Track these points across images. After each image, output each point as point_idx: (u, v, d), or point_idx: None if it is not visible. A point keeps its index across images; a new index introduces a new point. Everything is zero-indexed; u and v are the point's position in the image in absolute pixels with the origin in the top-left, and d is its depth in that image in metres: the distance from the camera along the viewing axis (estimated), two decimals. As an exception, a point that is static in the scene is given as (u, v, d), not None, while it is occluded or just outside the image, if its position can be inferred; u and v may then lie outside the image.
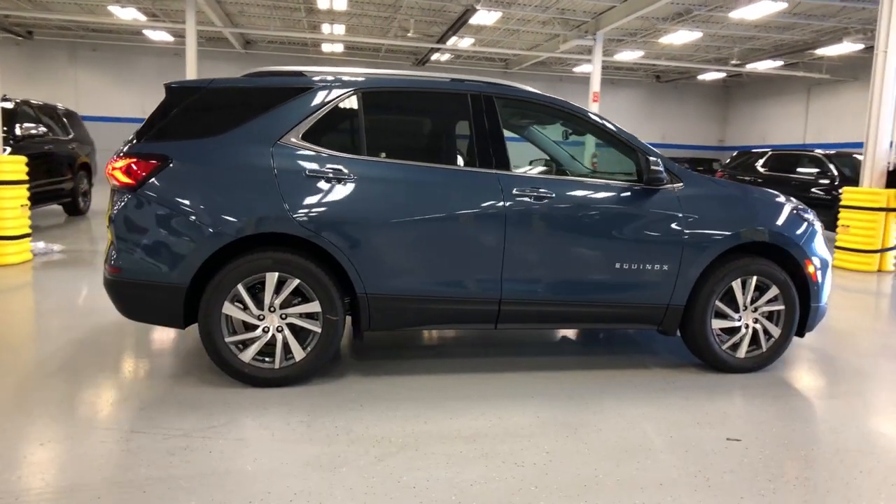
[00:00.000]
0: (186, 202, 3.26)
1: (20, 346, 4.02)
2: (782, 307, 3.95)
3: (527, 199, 3.57)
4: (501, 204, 3.53)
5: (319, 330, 3.40)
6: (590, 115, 3.90)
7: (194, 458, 2.60)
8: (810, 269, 3.97)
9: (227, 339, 3.33)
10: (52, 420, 2.92)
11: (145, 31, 20.04)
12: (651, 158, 3.68)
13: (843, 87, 21.01)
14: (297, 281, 3.34)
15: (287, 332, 3.38)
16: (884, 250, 8.33)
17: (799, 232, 3.96)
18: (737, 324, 3.93)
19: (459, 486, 2.46)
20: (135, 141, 3.37)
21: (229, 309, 3.31)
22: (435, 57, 23.19)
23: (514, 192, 3.56)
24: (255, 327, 3.36)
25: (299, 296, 3.39)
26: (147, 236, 3.28)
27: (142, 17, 18.25)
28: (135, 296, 3.33)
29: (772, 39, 18.44)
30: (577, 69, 24.53)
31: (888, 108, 8.27)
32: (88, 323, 4.61)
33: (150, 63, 22.93)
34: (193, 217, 3.25)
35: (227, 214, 3.26)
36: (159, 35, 20.36)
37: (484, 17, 16.02)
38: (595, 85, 17.87)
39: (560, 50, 19.44)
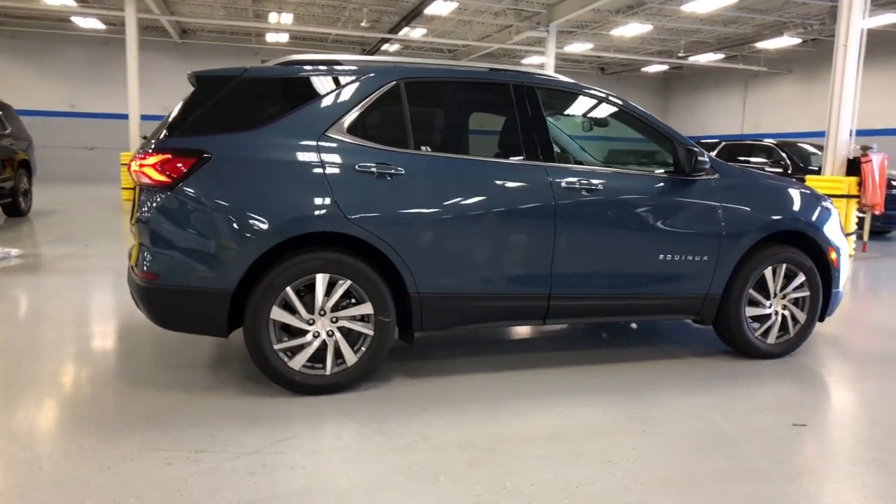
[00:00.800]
0: (230, 201, 3.04)
1: (27, 361, 3.67)
2: (808, 293, 4.07)
3: (576, 191, 3.52)
4: (551, 197, 3.47)
5: (372, 332, 3.24)
6: (631, 105, 3.88)
7: (279, 477, 2.42)
8: (833, 255, 4.10)
9: (276, 347, 3.14)
10: (100, 441, 2.66)
11: (73, 18, 18.80)
12: (696, 150, 3.69)
13: (779, 79, 22.01)
14: (348, 282, 3.17)
15: (338, 335, 3.21)
16: (845, 235, 8.76)
17: (822, 220, 4.08)
18: (768, 311, 4.01)
19: (566, 488, 2.40)
20: (166, 135, 3.11)
21: (277, 314, 3.11)
22: (384, 48, 22.85)
23: (564, 184, 3.50)
24: (304, 332, 3.18)
25: (348, 297, 3.23)
26: (187, 238, 3.04)
27: (72, 3, 17.10)
28: (174, 303, 3.09)
29: (716, 33, 19.09)
30: (525, 60, 24.71)
31: (848, 100, 8.70)
32: (91, 334, 4.27)
33: (77, 53, 21.54)
34: (239, 217, 3.03)
35: (275, 213, 3.06)
36: (89, 22, 19.13)
37: (440, 7, 15.87)
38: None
39: (512, 41, 19.52)
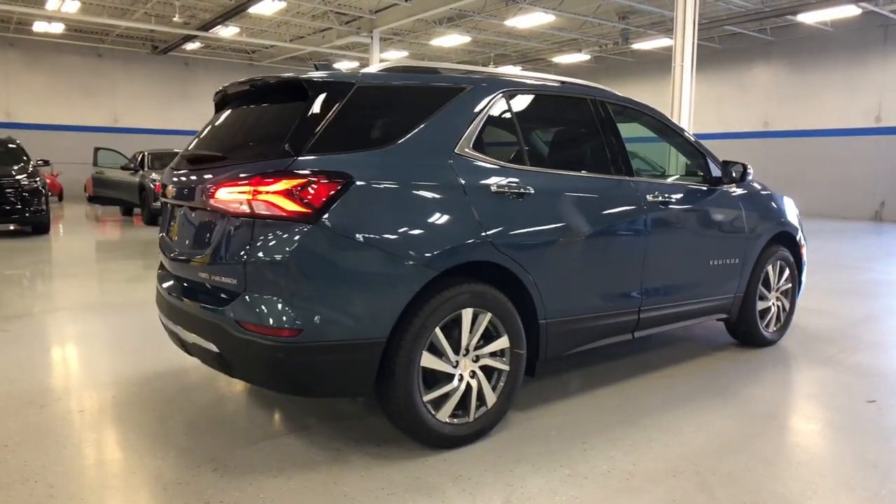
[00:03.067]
0: (380, 232, 2.54)
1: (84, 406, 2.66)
2: (790, 285, 4.66)
3: (657, 204, 3.59)
4: (643, 211, 3.51)
5: (508, 368, 2.96)
6: (671, 121, 4.06)
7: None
8: (803, 251, 4.75)
9: (426, 398, 2.71)
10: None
11: None
12: (735, 164, 4.02)
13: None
14: (489, 315, 2.86)
15: (480, 375, 2.88)
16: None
17: (797, 220, 4.70)
18: (770, 303, 4.51)
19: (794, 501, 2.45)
20: (286, 153, 2.48)
21: (427, 360, 2.69)
22: (185, 46, 20.67)
23: (649, 198, 3.55)
24: (450, 377, 2.79)
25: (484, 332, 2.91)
26: (334, 281, 2.47)
27: None
28: (318, 363, 2.48)
29: (519, 47, 20.68)
30: (337, 66, 24.26)
31: (685, 111, 10.08)
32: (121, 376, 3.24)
33: None
34: (392, 250, 2.55)
35: (429, 244, 2.63)
36: None
37: (267, 6, 14.86)
38: (375, 82, 17.91)
39: (330, 45, 19.05)
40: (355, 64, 23.65)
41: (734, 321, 4.37)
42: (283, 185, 2.41)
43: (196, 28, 17.24)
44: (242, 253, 2.46)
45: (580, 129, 3.56)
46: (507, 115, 3.13)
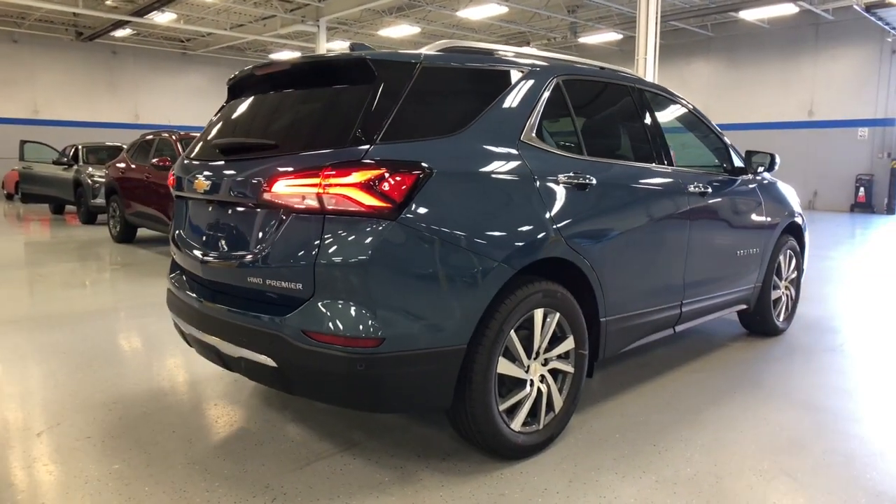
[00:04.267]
0: (459, 228, 2.31)
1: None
2: (796, 274, 4.71)
3: (696, 195, 3.50)
4: (686, 202, 3.41)
5: (572, 370, 2.79)
6: (698, 110, 3.97)
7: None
8: (807, 239, 4.81)
9: (502, 407, 2.50)
10: None
11: None
12: (760, 153, 3.98)
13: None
14: (557, 315, 2.68)
15: (550, 380, 2.70)
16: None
17: (800, 210, 4.75)
18: (781, 293, 4.53)
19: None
20: (358, 140, 2.20)
21: (503, 366, 2.48)
22: (115, 33, 19.38)
23: (690, 189, 3.46)
24: (523, 383, 2.58)
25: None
26: (416, 283, 2.22)
27: None
28: (403, 375, 2.22)
29: (468, 39, 20.53)
30: (274, 56, 23.40)
31: (649, 103, 10.18)
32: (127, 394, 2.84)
33: None
34: (472, 248, 2.32)
35: (506, 240, 2.42)
36: None
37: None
38: (322, 73, 17.35)
39: (272, 33, 18.34)
40: (297, 54, 22.83)
41: (751, 311, 4.36)
42: (360, 176, 2.13)
43: (128, 13, 16.16)
44: (310, 254, 2.17)
45: (627, 116, 3.41)
46: (563, 101, 2.94)
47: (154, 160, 7.80)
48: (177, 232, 2.92)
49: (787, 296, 4.62)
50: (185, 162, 2.86)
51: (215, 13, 17.82)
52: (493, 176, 2.47)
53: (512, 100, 2.68)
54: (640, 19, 10.01)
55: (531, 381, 2.60)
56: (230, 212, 2.53)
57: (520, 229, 2.48)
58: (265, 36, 19.13)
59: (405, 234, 2.18)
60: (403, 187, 2.18)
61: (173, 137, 8.15)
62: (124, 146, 12.66)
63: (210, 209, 2.65)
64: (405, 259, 2.19)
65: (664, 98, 3.76)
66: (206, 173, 2.58)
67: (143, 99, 22.92)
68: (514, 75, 2.76)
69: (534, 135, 2.70)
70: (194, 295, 2.66)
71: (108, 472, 2.50)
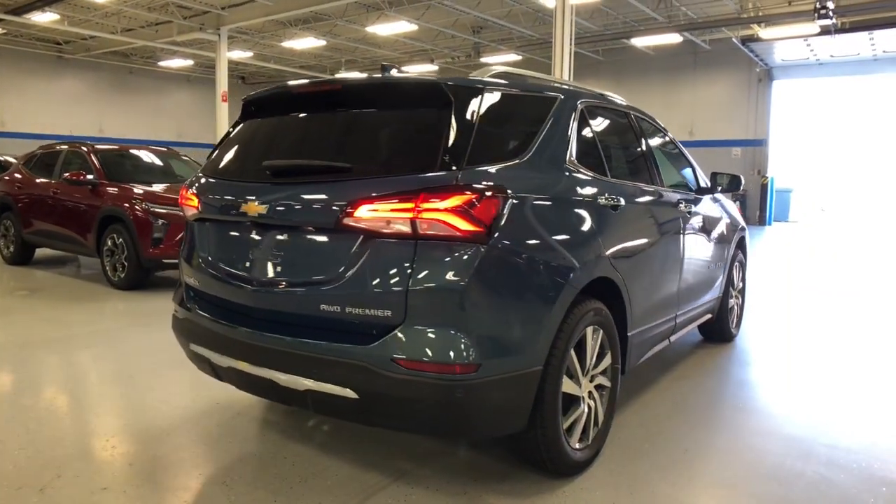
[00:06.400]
0: (536, 251, 2.37)
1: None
2: (742, 284, 5.15)
3: (686, 213, 3.76)
4: (680, 219, 3.65)
5: (609, 384, 2.90)
6: (671, 135, 4.26)
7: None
8: (748, 252, 5.28)
9: (564, 426, 2.55)
10: None
11: None
12: (724, 175, 4.32)
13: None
14: (601, 332, 2.78)
15: (597, 396, 2.78)
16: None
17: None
18: (733, 301, 4.93)
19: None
20: (450, 166, 2.18)
21: (566, 385, 2.53)
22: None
23: (682, 206, 3.70)
24: (579, 401, 2.65)
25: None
26: (506, 306, 2.23)
27: None
28: (493, 399, 2.20)
29: (370, 53, 20.49)
30: (164, 63, 22.08)
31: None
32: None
33: None
34: (546, 270, 2.38)
35: (571, 262, 2.49)
36: None
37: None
38: (223, 84, 16.65)
39: (169, 40, 17.34)
40: (190, 62, 21.88)
41: (713, 320, 4.71)
42: (455, 200, 2.11)
43: (4, 11, 14.62)
44: (401, 279, 2.11)
45: (631, 140, 3.60)
46: (588, 126, 3.06)
47: (66, 174, 7.12)
48: (202, 257, 2.71)
49: (737, 304, 5.03)
50: (213, 182, 2.67)
51: (103, 16, 16.56)
52: (557, 198, 2.55)
53: (556, 125, 2.76)
54: (556, 40, 10.48)
55: (583, 398, 2.67)
56: (289, 237, 2.40)
57: (580, 249, 2.56)
58: (157, 42, 18.04)
59: (496, 258, 2.19)
60: (493, 211, 2.19)
61: (86, 150, 7.46)
62: (9, 158, 11.46)
63: (259, 233, 2.49)
64: (496, 283, 2.20)
65: (649, 122, 4.00)
66: (262, 196, 2.42)
67: (10, 104, 20.75)
68: (556, 101, 2.84)
69: (574, 158, 2.79)
70: (234, 325, 2.48)
71: (152, 525, 2.27)
